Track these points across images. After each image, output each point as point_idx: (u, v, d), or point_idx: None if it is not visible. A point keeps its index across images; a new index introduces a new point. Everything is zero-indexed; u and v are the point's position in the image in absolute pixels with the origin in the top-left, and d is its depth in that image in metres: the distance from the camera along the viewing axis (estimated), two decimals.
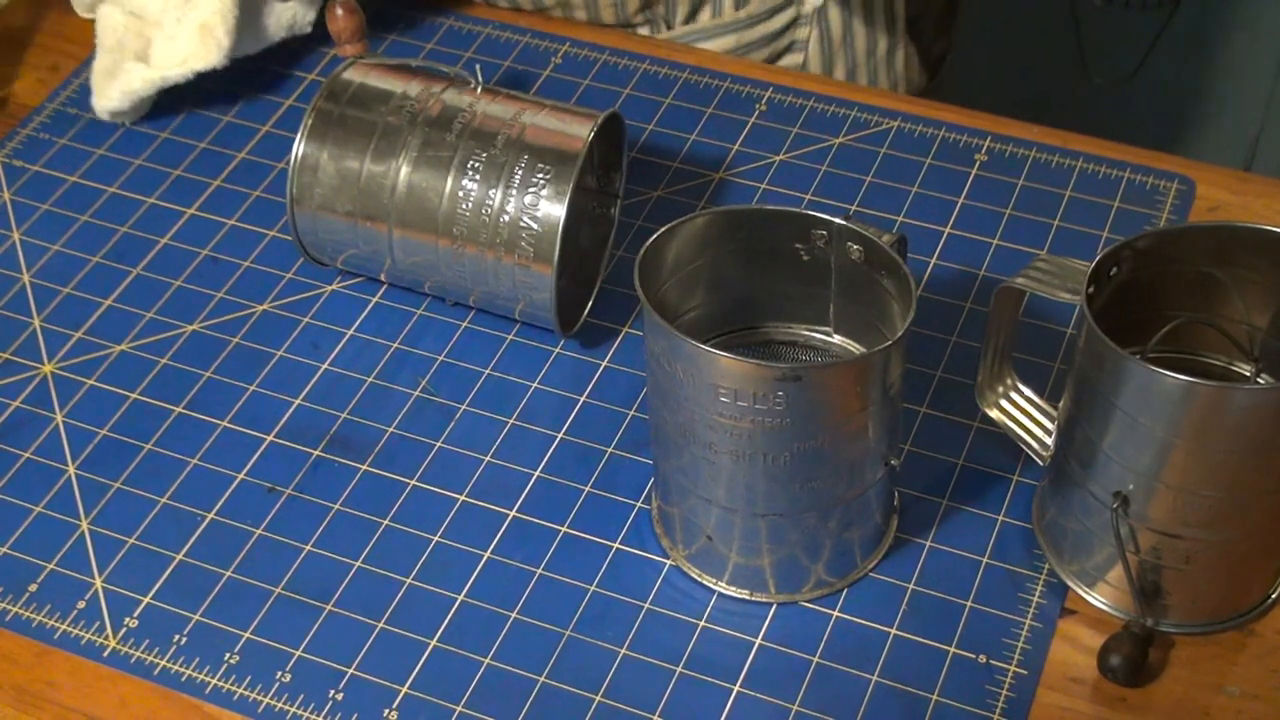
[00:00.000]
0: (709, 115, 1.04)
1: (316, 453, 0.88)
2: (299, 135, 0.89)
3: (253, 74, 1.09)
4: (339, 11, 0.91)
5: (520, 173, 0.86)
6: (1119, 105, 1.78)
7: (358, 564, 0.83)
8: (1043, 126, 1.04)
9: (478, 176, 0.86)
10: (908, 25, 1.14)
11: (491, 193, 0.86)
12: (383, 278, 0.94)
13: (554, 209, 0.85)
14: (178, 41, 1.01)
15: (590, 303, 0.93)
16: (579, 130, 0.87)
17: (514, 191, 0.86)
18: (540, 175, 0.85)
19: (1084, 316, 0.72)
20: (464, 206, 0.86)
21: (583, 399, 0.89)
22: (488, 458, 0.87)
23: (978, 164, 1.00)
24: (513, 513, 0.85)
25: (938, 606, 0.80)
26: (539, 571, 0.82)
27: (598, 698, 0.77)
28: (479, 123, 0.88)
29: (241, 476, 0.87)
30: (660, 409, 0.76)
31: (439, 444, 0.88)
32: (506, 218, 0.86)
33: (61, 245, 0.99)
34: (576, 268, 0.93)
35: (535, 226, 0.85)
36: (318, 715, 0.77)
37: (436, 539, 0.84)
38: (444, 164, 0.87)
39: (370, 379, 0.91)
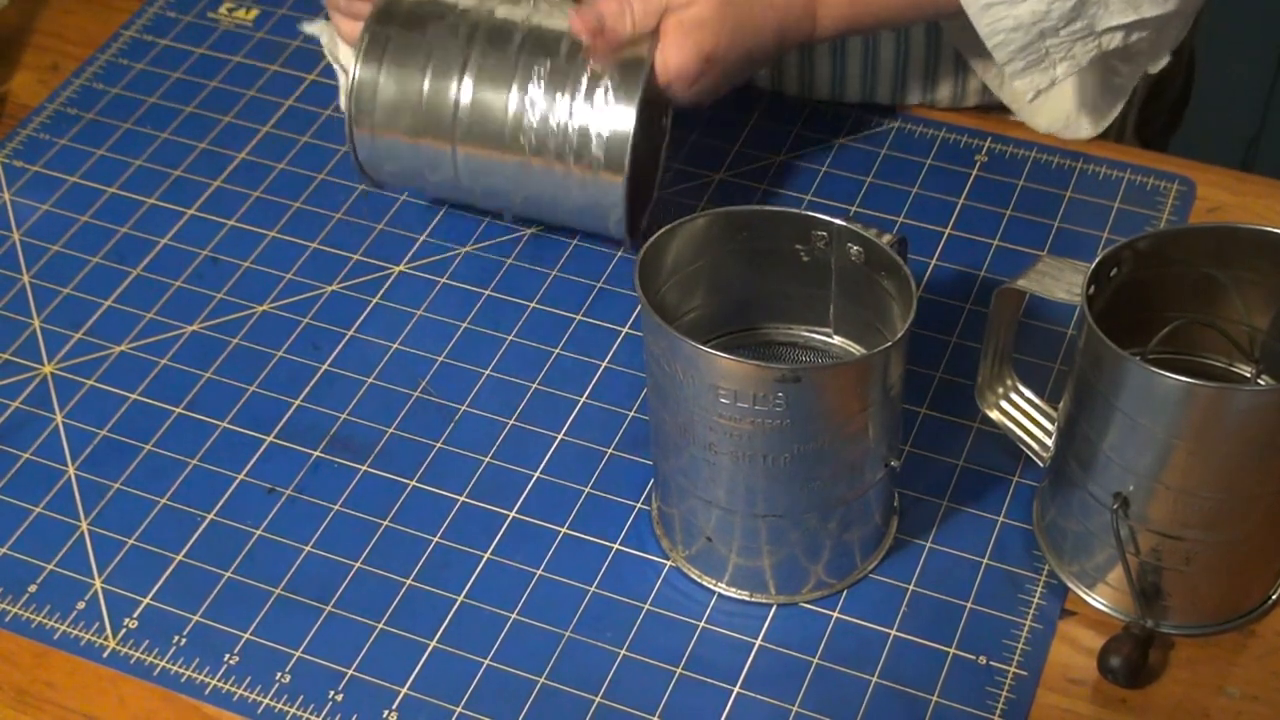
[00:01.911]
0: (709, 115, 1.04)
1: (316, 453, 0.88)
2: (355, 58, 0.89)
3: (253, 75, 1.09)
4: None
5: (585, 83, 0.86)
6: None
7: (358, 564, 0.83)
8: None
9: (541, 89, 0.86)
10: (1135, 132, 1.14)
11: (557, 105, 0.86)
12: (444, 195, 0.94)
13: (622, 118, 0.85)
14: None
15: (648, 211, 0.94)
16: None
17: (580, 102, 0.86)
18: (606, 84, 0.86)
19: (1084, 317, 0.72)
20: (529, 119, 0.87)
21: (583, 399, 0.89)
22: (488, 458, 0.87)
23: (978, 164, 1.00)
24: (512, 513, 0.85)
25: (938, 608, 0.80)
26: (539, 572, 0.82)
27: (598, 699, 0.77)
28: (539, 35, 0.88)
29: (241, 477, 0.87)
30: (660, 409, 0.76)
31: (439, 444, 0.88)
32: (574, 129, 0.86)
33: (61, 245, 0.99)
34: (635, 176, 0.93)
35: (604, 135, 0.85)
36: (317, 716, 0.77)
37: (436, 540, 0.84)
38: (506, 78, 0.87)
39: (370, 379, 0.91)
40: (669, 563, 0.82)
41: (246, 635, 0.80)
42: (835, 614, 0.80)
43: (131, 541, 0.84)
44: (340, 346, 0.93)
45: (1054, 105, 0.99)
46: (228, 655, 0.80)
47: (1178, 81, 1.19)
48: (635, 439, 0.87)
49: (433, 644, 0.80)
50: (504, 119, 0.87)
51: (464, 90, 0.88)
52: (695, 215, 0.77)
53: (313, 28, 1.05)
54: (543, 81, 0.87)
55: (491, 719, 0.77)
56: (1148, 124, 1.16)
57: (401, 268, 0.97)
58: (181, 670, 0.79)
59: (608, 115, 0.86)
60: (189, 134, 1.06)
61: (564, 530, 0.84)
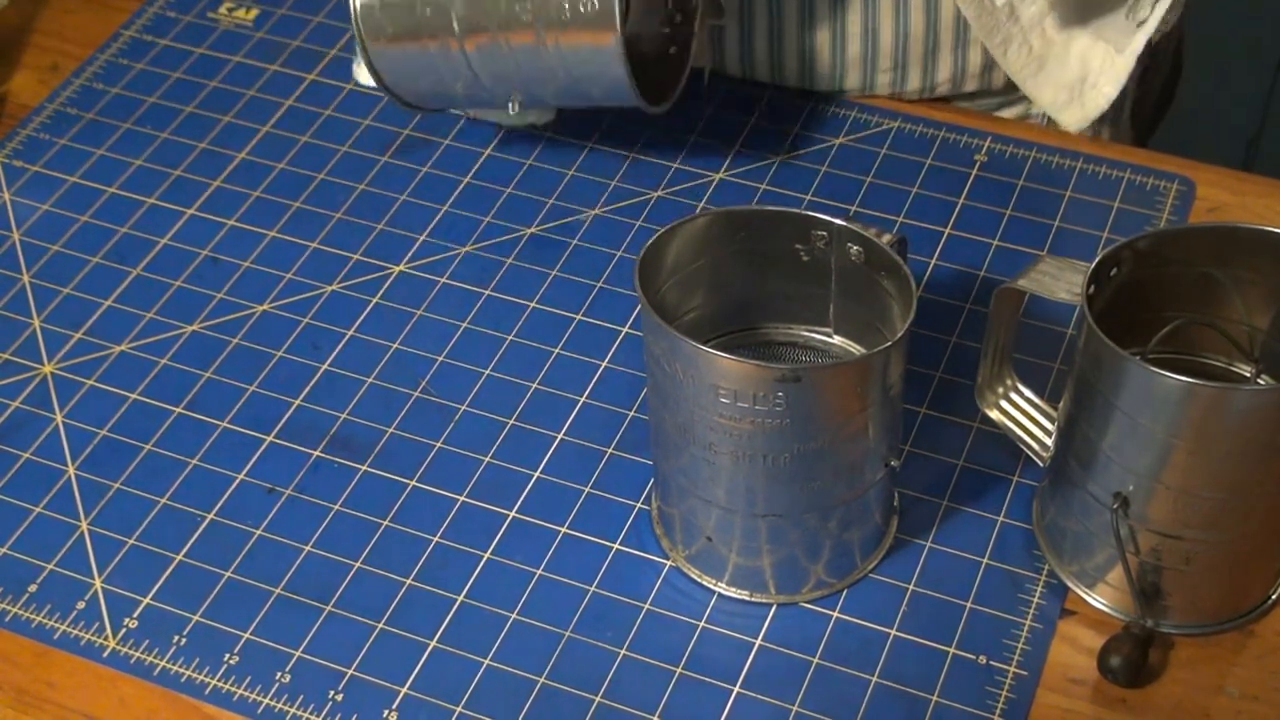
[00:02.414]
0: (709, 115, 1.04)
1: (316, 453, 0.88)
2: None
3: (253, 75, 1.09)
4: None
5: None
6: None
7: (358, 564, 0.83)
8: (1043, 127, 1.04)
9: None
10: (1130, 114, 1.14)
11: None
12: (475, 101, 0.95)
13: None
14: None
15: (683, 79, 0.95)
16: None
17: None
18: None
19: (1084, 317, 0.72)
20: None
21: (583, 399, 0.89)
22: (488, 458, 0.87)
23: (978, 164, 1.00)
24: (513, 513, 0.85)
25: (937, 607, 0.80)
26: (539, 572, 0.82)
27: (598, 698, 0.77)
28: None
29: (241, 477, 0.87)
30: (660, 409, 0.76)
31: (439, 444, 0.88)
32: None
33: (61, 245, 0.99)
34: (666, 41, 0.92)
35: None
36: (317, 716, 0.77)
37: (436, 539, 0.84)
38: None
39: (370, 379, 0.91)
40: (669, 563, 0.82)
41: (246, 635, 0.80)
42: (835, 614, 0.80)
43: (131, 541, 0.84)
44: (340, 346, 0.93)
45: (1056, 78, 0.99)
46: (228, 655, 0.80)
47: (1168, 57, 1.20)
48: (635, 439, 0.87)
49: (433, 644, 0.80)
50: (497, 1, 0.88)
51: None
52: (695, 215, 0.77)
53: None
54: None
55: (491, 719, 0.77)
56: (1141, 102, 1.17)
57: (401, 268, 0.97)
58: (181, 670, 0.79)
59: None
60: (189, 134, 1.06)
61: (564, 530, 0.84)
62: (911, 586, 0.81)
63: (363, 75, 1.05)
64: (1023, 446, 0.82)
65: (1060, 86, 0.99)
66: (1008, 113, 1.07)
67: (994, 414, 0.83)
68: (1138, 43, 0.98)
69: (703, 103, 1.04)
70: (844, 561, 0.80)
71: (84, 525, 0.85)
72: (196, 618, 0.81)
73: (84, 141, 1.06)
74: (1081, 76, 0.99)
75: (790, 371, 0.71)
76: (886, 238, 0.76)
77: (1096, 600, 0.80)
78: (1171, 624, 0.79)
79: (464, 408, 0.89)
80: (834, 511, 0.77)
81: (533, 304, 0.94)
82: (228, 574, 0.83)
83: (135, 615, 0.81)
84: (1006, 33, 0.97)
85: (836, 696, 0.77)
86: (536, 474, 0.86)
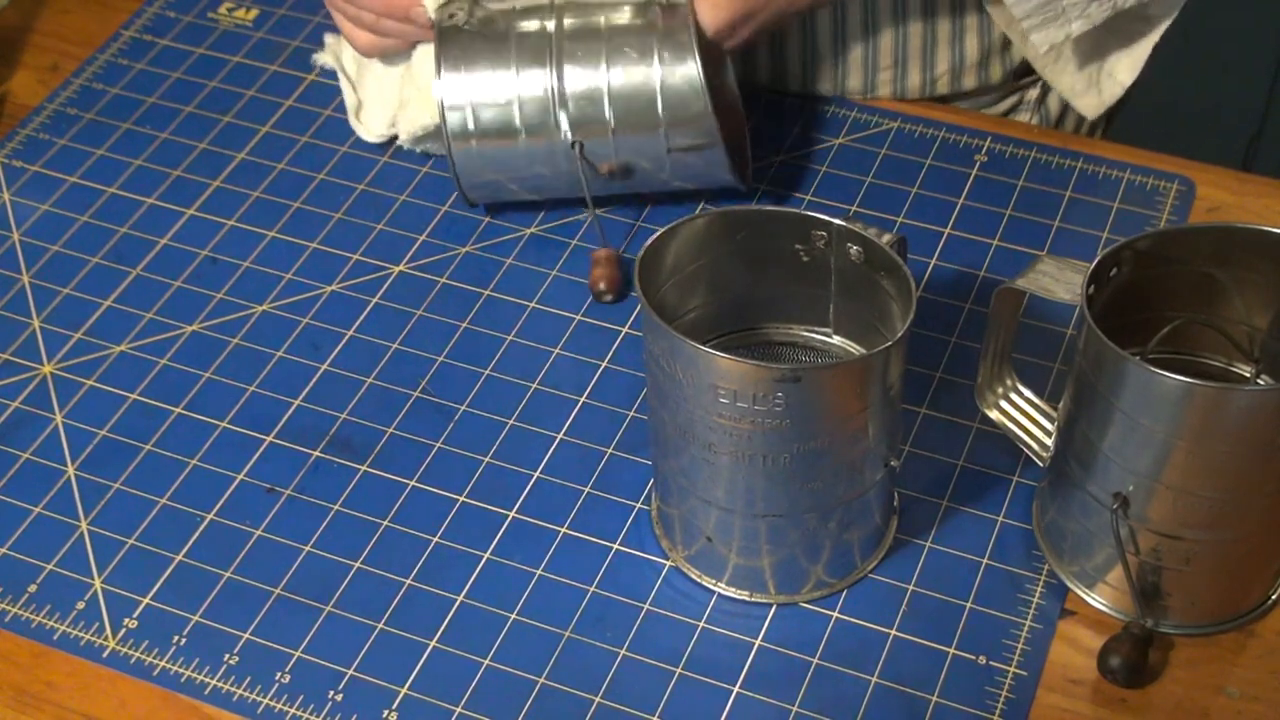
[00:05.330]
0: None
1: (316, 453, 0.88)
2: (436, 69, 0.91)
3: (253, 75, 1.09)
4: (599, 271, 0.94)
5: (656, 46, 0.89)
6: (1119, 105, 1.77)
7: (358, 564, 0.83)
8: (1043, 127, 1.03)
9: (621, 60, 0.90)
10: None
11: (637, 72, 0.90)
12: (545, 191, 0.96)
13: (688, 69, 0.89)
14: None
15: (748, 148, 0.97)
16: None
17: (655, 63, 0.89)
18: (664, 46, 0.90)
19: (1084, 317, 0.72)
20: (616, 94, 0.90)
21: (583, 399, 0.89)
22: (487, 458, 0.87)
23: (978, 164, 1.00)
24: (512, 513, 0.85)
25: (937, 607, 0.80)
26: (539, 572, 0.82)
27: (597, 699, 0.77)
28: (579, 19, 0.91)
29: (241, 477, 0.87)
30: (660, 409, 0.76)
31: (439, 444, 0.88)
32: (657, 87, 0.89)
33: (61, 245, 0.99)
34: (723, 123, 0.94)
35: (681, 87, 0.89)
36: (317, 716, 0.77)
37: (436, 540, 0.84)
38: (595, 56, 0.90)
39: (370, 379, 0.91)
40: (669, 563, 0.82)
41: (246, 635, 0.80)
42: (835, 614, 0.80)
43: (131, 541, 0.84)
44: (340, 346, 0.93)
45: (1075, 65, 1.00)
46: (228, 655, 0.80)
47: None
48: (635, 439, 0.87)
49: (433, 644, 0.80)
50: (599, 99, 0.90)
51: (565, 79, 0.90)
52: (695, 215, 0.77)
53: (323, 57, 1.07)
54: (622, 53, 0.90)
55: (491, 719, 0.77)
56: None
57: (401, 268, 0.97)
58: (181, 670, 0.79)
59: (675, 68, 0.90)
60: (189, 134, 1.06)
61: (564, 530, 0.84)
62: (911, 586, 0.81)
63: (365, 132, 1.04)
64: (1023, 446, 0.82)
65: (1078, 74, 1.00)
66: (1005, 104, 1.07)
67: (994, 414, 0.83)
68: (1155, 32, 0.98)
69: None
70: (844, 561, 0.80)
71: (84, 525, 0.85)
72: (196, 618, 0.81)
73: (84, 141, 1.06)
74: (1099, 64, 0.99)
75: (790, 371, 0.71)
76: (886, 238, 0.76)
77: (1096, 600, 0.80)
78: (1171, 624, 0.79)
79: (464, 408, 0.89)
80: (834, 511, 0.77)
81: (532, 304, 0.94)
82: (227, 574, 0.83)
83: (135, 615, 0.81)
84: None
85: (836, 696, 0.77)
86: (536, 474, 0.86)
